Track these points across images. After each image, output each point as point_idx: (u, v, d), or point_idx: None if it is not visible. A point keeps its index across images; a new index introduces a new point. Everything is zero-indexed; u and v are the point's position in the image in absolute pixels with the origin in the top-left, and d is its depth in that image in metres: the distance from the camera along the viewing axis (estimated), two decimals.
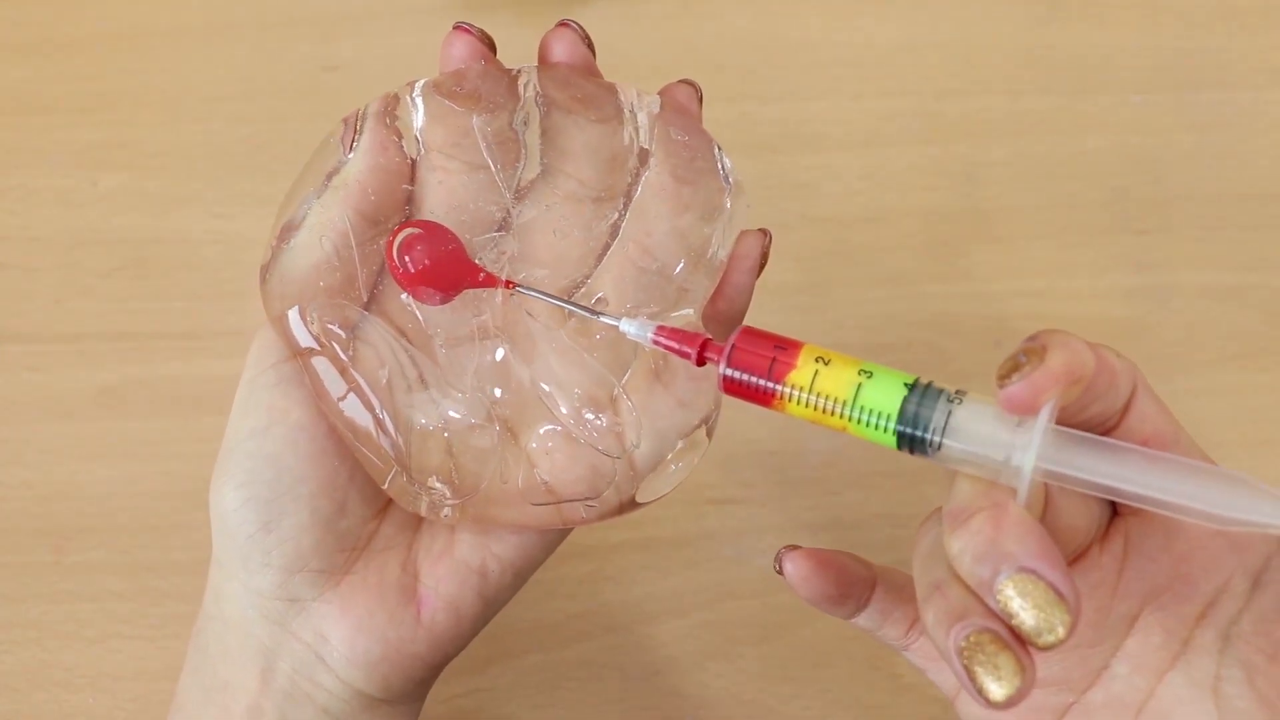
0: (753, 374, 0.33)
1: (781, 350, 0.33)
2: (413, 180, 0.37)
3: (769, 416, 0.55)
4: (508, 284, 0.36)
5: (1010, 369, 0.30)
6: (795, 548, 0.37)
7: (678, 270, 0.37)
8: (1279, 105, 0.59)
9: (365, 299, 0.37)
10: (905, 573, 0.37)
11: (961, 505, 0.31)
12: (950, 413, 0.31)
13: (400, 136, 0.37)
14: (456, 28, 0.37)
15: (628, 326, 0.35)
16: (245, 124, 0.59)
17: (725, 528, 0.52)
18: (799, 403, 0.33)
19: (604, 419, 0.36)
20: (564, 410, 0.37)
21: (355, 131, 0.37)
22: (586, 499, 0.37)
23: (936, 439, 0.31)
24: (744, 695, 0.50)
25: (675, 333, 0.34)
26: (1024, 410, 0.30)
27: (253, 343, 0.37)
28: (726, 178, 0.38)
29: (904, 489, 0.53)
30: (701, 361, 0.34)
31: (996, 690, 0.29)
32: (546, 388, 0.37)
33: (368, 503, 0.37)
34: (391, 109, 0.37)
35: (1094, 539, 0.33)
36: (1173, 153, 0.58)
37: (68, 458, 0.53)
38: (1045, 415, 0.30)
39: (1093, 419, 0.32)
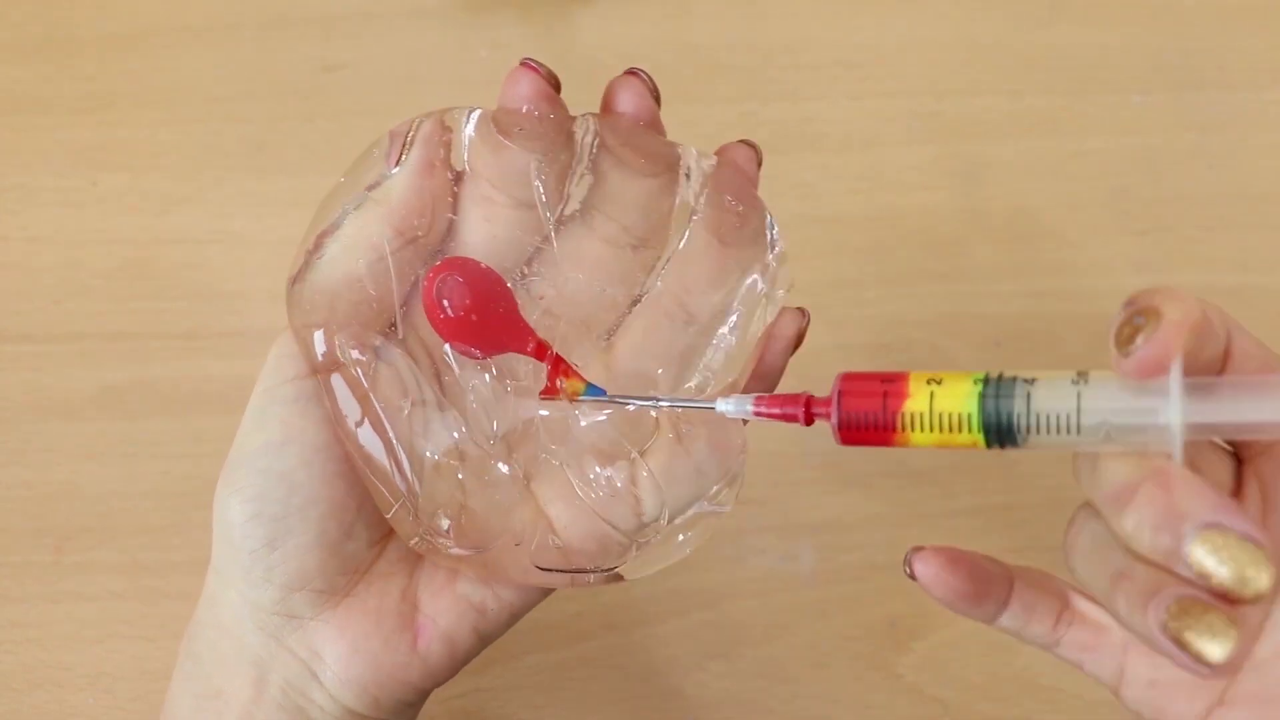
0: (869, 414, 0.32)
1: (890, 383, 0.32)
2: (455, 209, 0.36)
3: None
4: (557, 363, 0.35)
5: (1131, 333, 0.29)
6: (922, 548, 0.35)
7: (710, 329, 0.37)
8: (1279, 105, 0.59)
9: (397, 322, 0.36)
10: (1038, 570, 0.36)
11: (1120, 483, 0.30)
12: (1080, 394, 0.30)
13: (448, 163, 0.36)
14: (524, 64, 0.35)
15: (725, 406, 0.34)
16: (245, 124, 0.59)
17: (725, 528, 0.52)
18: (924, 428, 0.32)
19: (622, 489, 0.36)
20: (587, 486, 0.36)
21: (404, 147, 0.35)
22: (596, 570, 0.36)
23: (1073, 425, 0.30)
24: (744, 695, 0.50)
25: (776, 399, 0.34)
26: (1155, 371, 0.29)
27: (272, 349, 0.36)
28: (773, 246, 0.37)
29: (904, 489, 0.53)
30: (810, 420, 0.33)
31: (1217, 650, 0.28)
32: (571, 462, 0.36)
33: (374, 528, 0.37)
34: (444, 133, 0.36)
35: (1230, 492, 0.32)
36: (1173, 153, 0.58)
37: (68, 458, 0.53)
38: (1177, 369, 0.29)
39: (1203, 366, 0.31)
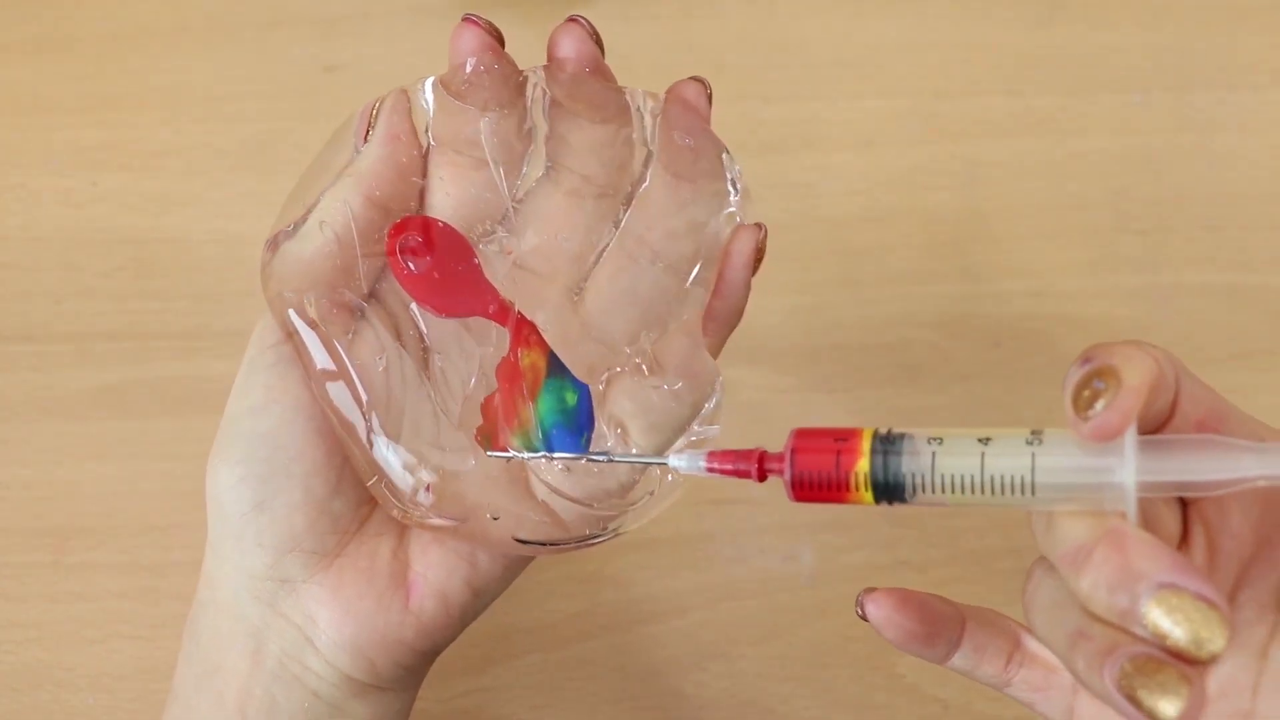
0: (821, 473, 0.32)
1: (843, 441, 0.32)
2: (424, 175, 0.37)
3: (765, 415, 0.55)
4: (520, 326, 0.36)
5: (1091, 398, 0.29)
6: (874, 589, 0.35)
7: (678, 267, 0.37)
8: (1279, 105, 0.59)
9: (365, 289, 0.36)
10: (991, 609, 0.37)
11: (1076, 543, 0.30)
12: (1034, 455, 0.30)
13: (413, 131, 0.37)
14: (465, 20, 0.36)
15: (677, 461, 0.34)
16: (245, 124, 0.59)
17: (725, 528, 0.52)
18: None
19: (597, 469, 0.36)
20: (560, 472, 0.36)
21: (369, 124, 0.37)
22: (580, 541, 0.36)
23: (1028, 485, 0.30)
24: (744, 695, 0.50)
25: (729, 455, 0.33)
26: (1113, 436, 0.29)
27: (256, 325, 0.37)
28: (733, 183, 0.38)
29: None
30: (763, 476, 0.33)
31: (1170, 708, 0.28)
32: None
33: (361, 487, 0.37)
34: (404, 104, 0.37)
35: (1179, 541, 0.33)
36: (1173, 153, 0.58)
37: (68, 458, 0.53)
38: (1132, 431, 0.29)
39: (1154, 417, 0.32)
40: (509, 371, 0.36)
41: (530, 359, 0.36)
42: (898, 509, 0.49)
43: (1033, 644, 0.35)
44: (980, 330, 0.55)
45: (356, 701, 0.37)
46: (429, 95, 0.37)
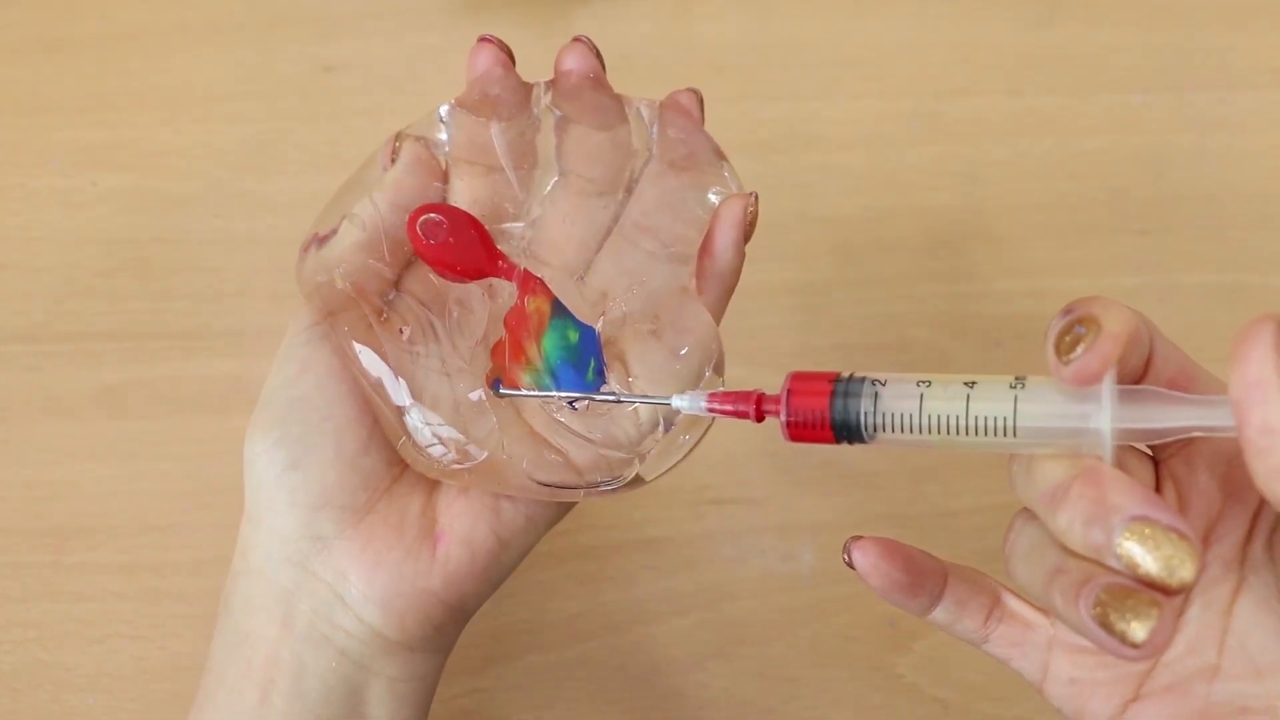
0: (816, 413, 0.33)
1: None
2: (445, 180, 0.40)
3: None
4: (526, 278, 0.38)
5: (1073, 343, 0.30)
6: (860, 537, 0.36)
7: (674, 251, 0.39)
8: (1279, 105, 0.59)
9: (393, 276, 0.39)
10: (973, 568, 0.38)
11: (1054, 483, 0.31)
12: (1017, 399, 0.32)
13: (432, 153, 0.39)
14: (481, 40, 0.40)
15: (680, 402, 0.36)
16: (245, 124, 0.59)
17: (725, 528, 0.52)
18: None
19: (609, 414, 0.38)
20: (570, 412, 0.38)
21: (394, 150, 0.39)
22: (595, 486, 0.38)
23: (1010, 427, 0.31)
24: (744, 695, 0.50)
25: (728, 395, 0.35)
26: (1093, 380, 0.30)
27: (289, 321, 0.39)
28: (729, 177, 0.40)
29: (904, 489, 0.53)
30: (760, 417, 0.34)
31: (1140, 630, 0.29)
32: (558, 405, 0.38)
33: (391, 448, 0.38)
34: (425, 128, 0.40)
35: None
36: (1173, 153, 0.58)
37: (68, 458, 0.53)
38: (1111, 377, 0.30)
39: (1129, 373, 0.33)
40: (517, 316, 0.38)
41: (536, 304, 0.38)
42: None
43: (1012, 602, 0.36)
44: (980, 330, 0.55)
45: (384, 660, 0.38)
46: (447, 118, 0.40)
